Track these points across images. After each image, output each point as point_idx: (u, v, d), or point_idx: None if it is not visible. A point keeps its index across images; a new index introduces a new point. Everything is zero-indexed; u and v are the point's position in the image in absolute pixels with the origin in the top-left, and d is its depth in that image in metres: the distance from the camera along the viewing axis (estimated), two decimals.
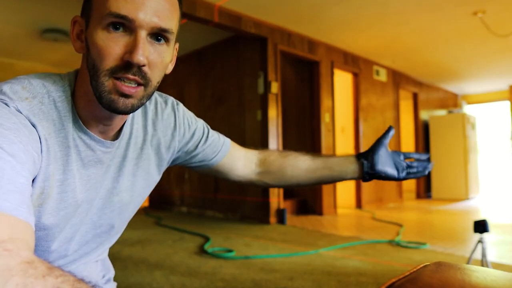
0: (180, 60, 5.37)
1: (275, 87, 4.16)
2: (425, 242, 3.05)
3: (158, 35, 0.61)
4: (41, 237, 0.64)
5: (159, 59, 0.62)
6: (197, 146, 0.88)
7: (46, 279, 0.39)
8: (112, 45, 0.58)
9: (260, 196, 4.16)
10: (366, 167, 0.88)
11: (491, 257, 2.58)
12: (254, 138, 4.23)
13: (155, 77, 0.63)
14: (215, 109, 4.79)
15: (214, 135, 0.91)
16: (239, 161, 0.94)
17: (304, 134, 4.98)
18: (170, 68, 0.70)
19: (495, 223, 4.06)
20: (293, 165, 0.92)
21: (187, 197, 5.19)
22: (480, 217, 4.39)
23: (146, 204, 5.99)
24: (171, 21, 0.61)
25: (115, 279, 0.92)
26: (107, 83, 0.59)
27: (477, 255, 2.37)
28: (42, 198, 0.61)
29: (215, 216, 4.67)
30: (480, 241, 2.09)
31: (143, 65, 0.59)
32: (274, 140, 4.14)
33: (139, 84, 0.60)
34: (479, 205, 5.87)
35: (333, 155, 0.94)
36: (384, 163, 0.88)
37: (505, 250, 2.91)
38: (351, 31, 4.50)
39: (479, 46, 5.12)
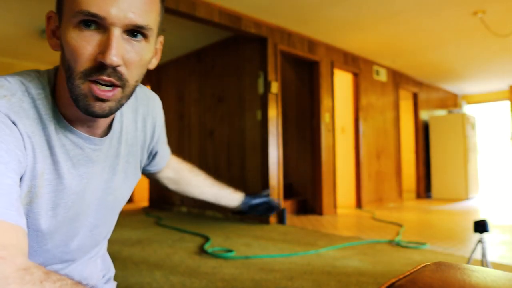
0: (180, 60, 5.37)
1: (275, 87, 4.16)
2: (425, 242, 3.05)
3: (135, 31, 0.56)
4: (34, 238, 0.63)
5: (136, 57, 0.57)
6: (158, 149, 0.89)
7: (43, 284, 0.39)
8: (85, 45, 0.54)
9: None
10: (243, 208, 1.14)
11: (491, 257, 2.58)
12: (254, 138, 4.22)
13: (133, 76, 0.59)
14: (215, 109, 4.78)
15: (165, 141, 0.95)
16: (167, 167, 1.01)
17: (304, 134, 4.98)
18: (154, 63, 0.66)
19: (495, 223, 4.06)
20: (196, 185, 1.09)
21: (187, 197, 5.18)
22: (480, 217, 4.39)
23: (146, 204, 5.99)
24: (149, 16, 0.56)
25: (115, 279, 0.92)
26: (83, 86, 0.56)
27: (477, 255, 2.37)
28: (30, 197, 0.59)
29: (215, 216, 4.67)
30: (480, 241, 2.09)
31: (118, 66, 0.55)
32: (274, 140, 4.14)
33: (115, 86, 0.57)
34: (479, 205, 5.87)
35: (226, 187, 1.12)
36: (256, 208, 1.15)
37: (505, 250, 2.91)
38: (351, 31, 4.50)
39: (479, 46, 5.12)
